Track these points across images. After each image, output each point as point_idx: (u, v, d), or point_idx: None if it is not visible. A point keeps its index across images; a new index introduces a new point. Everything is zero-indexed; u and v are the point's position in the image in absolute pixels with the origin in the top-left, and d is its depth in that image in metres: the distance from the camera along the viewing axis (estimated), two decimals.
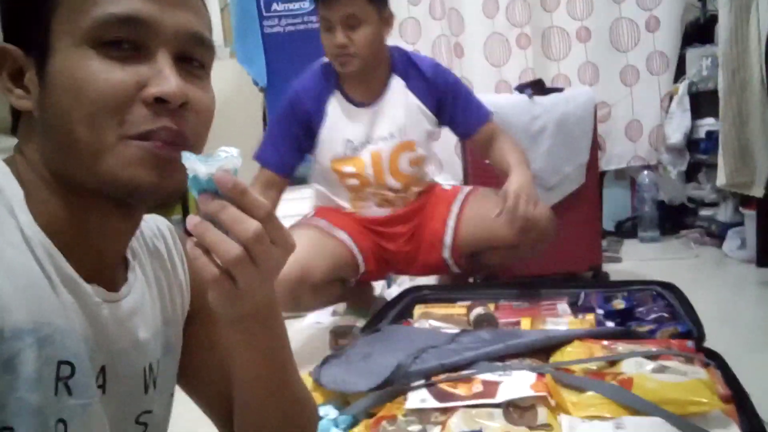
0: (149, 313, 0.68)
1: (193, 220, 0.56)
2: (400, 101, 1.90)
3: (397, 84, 1.91)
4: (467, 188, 2.12)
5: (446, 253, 1.99)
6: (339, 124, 1.88)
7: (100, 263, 0.62)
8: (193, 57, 0.61)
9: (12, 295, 0.51)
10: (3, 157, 0.62)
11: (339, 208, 2.00)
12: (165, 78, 0.57)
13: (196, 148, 0.61)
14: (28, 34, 0.58)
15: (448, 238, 1.98)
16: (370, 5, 1.77)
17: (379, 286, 2.36)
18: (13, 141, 0.65)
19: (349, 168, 1.92)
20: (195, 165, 0.55)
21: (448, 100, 1.95)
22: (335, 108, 1.89)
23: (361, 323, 1.86)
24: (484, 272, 2.21)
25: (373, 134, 1.90)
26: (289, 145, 1.90)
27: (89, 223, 0.60)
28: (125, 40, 0.57)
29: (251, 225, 0.55)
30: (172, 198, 0.62)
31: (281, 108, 1.94)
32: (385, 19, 1.83)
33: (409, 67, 1.93)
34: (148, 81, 0.57)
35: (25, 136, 0.61)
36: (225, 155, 0.56)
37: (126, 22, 0.56)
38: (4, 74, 0.59)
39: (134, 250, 0.69)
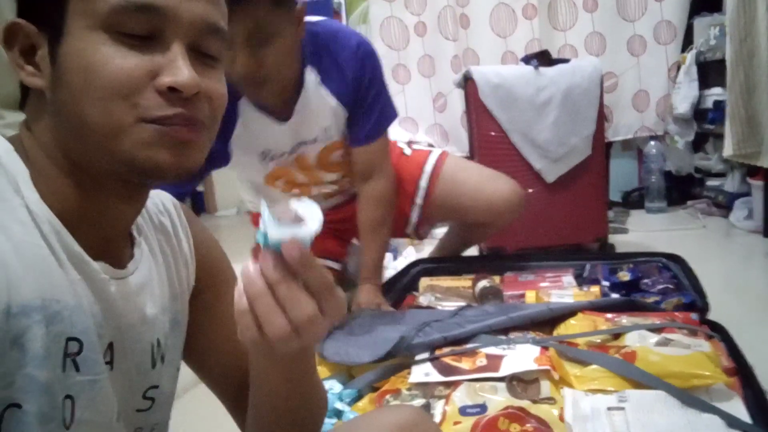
0: (156, 289, 0.69)
1: (251, 275, 0.54)
2: (316, 102, 1.57)
3: (310, 80, 1.55)
4: (433, 158, 1.90)
5: (409, 230, 1.94)
6: (253, 135, 1.57)
7: (107, 240, 0.63)
8: (207, 46, 0.61)
9: (20, 271, 0.51)
10: (10, 132, 0.62)
11: None
12: (178, 68, 0.57)
13: (210, 130, 0.62)
14: (43, 11, 0.58)
15: (414, 216, 1.89)
16: (278, 9, 1.36)
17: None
18: (19, 116, 0.64)
19: (277, 181, 1.74)
20: (268, 226, 0.53)
21: (353, 102, 1.60)
22: (246, 116, 1.56)
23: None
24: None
25: (295, 141, 1.62)
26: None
27: (97, 202, 0.60)
28: (140, 27, 0.57)
29: (306, 307, 0.54)
30: (189, 177, 0.62)
31: None
32: (298, 18, 1.43)
33: (322, 53, 1.56)
34: (161, 70, 0.57)
35: (34, 114, 0.60)
36: (302, 212, 0.53)
37: (142, 9, 0.56)
38: (15, 49, 0.59)
39: (140, 226, 0.69)
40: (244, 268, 0.55)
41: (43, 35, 0.57)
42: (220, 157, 1.60)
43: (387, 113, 1.68)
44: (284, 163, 1.66)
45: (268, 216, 0.53)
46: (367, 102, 1.61)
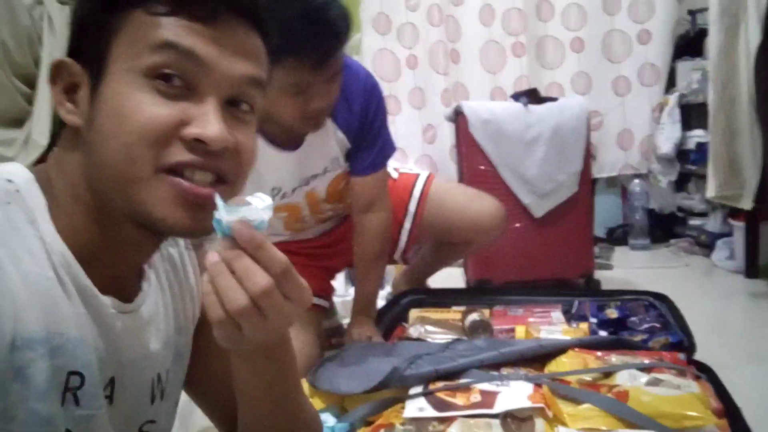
0: (162, 322, 0.69)
1: (212, 258, 0.55)
2: (323, 134, 1.55)
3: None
4: (421, 182, 1.91)
5: (397, 255, 1.93)
6: (261, 169, 1.50)
7: (118, 275, 0.63)
8: (244, 99, 0.61)
9: (27, 303, 0.52)
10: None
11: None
12: (209, 121, 0.57)
13: (235, 187, 0.61)
14: (89, 51, 0.58)
15: (403, 241, 1.89)
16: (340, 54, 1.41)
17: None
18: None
19: (281, 213, 1.68)
20: (220, 211, 0.55)
21: (357, 133, 1.60)
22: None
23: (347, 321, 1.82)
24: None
25: (304, 175, 1.60)
26: None
27: (113, 241, 0.60)
28: (178, 75, 0.57)
29: (261, 279, 0.53)
30: (204, 236, 0.62)
31: None
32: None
33: None
34: (191, 120, 0.57)
35: (66, 149, 0.61)
36: (251, 205, 0.55)
37: (183, 54, 0.56)
38: (59, 86, 0.60)
39: (150, 259, 0.69)
40: (208, 254, 0.56)
41: (87, 75, 0.58)
42: None
43: (388, 146, 1.69)
44: (294, 200, 1.64)
45: (221, 204, 0.55)
46: (371, 134, 1.61)
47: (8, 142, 2.89)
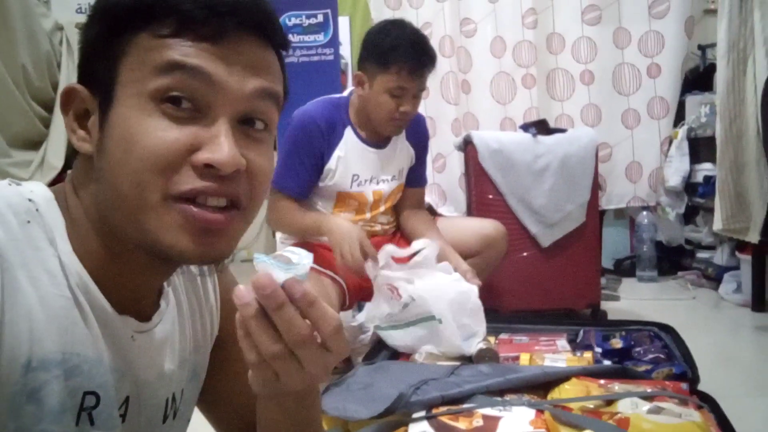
0: (178, 342, 0.68)
1: (242, 297, 0.52)
2: (400, 147, 2.02)
3: None
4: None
5: None
6: (350, 157, 1.93)
7: (135, 296, 0.62)
8: (257, 116, 0.59)
9: (44, 325, 0.52)
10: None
11: (320, 243, 1.94)
12: (219, 145, 0.54)
13: (249, 211, 0.59)
14: (97, 77, 0.57)
15: None
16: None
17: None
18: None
19: (352, 201, 1.98)
20: (271, 270, 0.52)
21: (417, 154, 2.08)
22: (348, 142, 1.93)
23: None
24: None
25: (379, 175, 1.98)
26: (308, 170, 1.92)
27: (128, 266, 0.60)
28: (186, 98, 0.55)
29: (302, 330, 0.52)
30: (216, 263, 0.60)
31: (296, 134, 1.93)
32: None
33: None
34: (201, 145, 0.55)
35: (79, 175, 0.60)
36: (296, 259, 0.54)
37: (190, 74, 0.54)
38: (71, 114, 0.59)
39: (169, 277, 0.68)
40: (236, 291, 0.53)
41: (96, 101, 0.57)
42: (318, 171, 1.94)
43: (425, 172, 2.18)
44: (365, 189, 1.98)
45: (269, 263, 0.53)
46: (423, 156, 2.12)
47: (25, 164, 2.95)
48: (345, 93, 2.01)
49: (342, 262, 1.80)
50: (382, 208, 2.03)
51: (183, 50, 0.54)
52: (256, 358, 0.53)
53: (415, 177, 2.10)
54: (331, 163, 1.93)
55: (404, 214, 2.09)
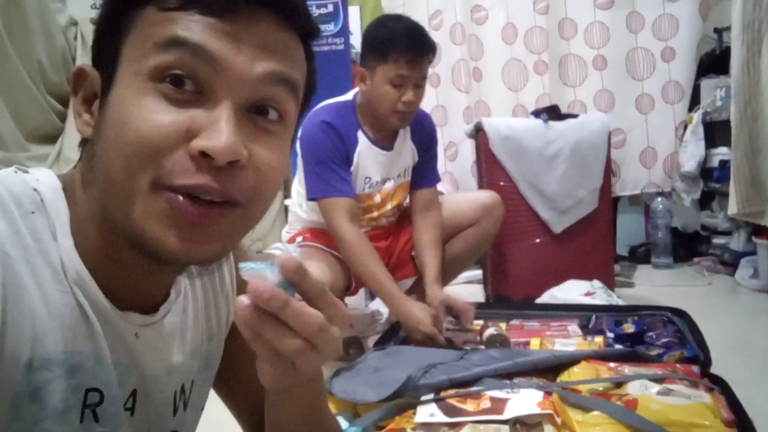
0: (189, 331, 0.65)
1: (244, 309, 0.47)
2: (405, 146, 2.03)
3: (403, 130, 2.00)
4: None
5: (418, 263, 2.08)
6: (363, 160, 1.94)
7: (141, 293, 0.59)
8: (270, 104, 0.53)
9: (46, 323, 0.50)
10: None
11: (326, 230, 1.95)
12: (217, 131, 0.49)
13: (250, 209, 0.54)
14: (104, 56, 0.53)
15: None
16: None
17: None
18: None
19: (363, 204, 1.99)
20: (261, 274, 0.49)
21: (422, 153, 2.07)
22: (362, 145, 1.94)
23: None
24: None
25: (388, 175, 2.00)
26: (345, 171, 1.89)
27: (129, 261, 0.55)
28: (188, 78, 0.50)
29: (315, 319, 0.49)
30: (201, 266, 0.56)
31: (317, 142, 1.87)
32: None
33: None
34: (200, 130, 0.49)
35: (84, 160, 0.57)
36: (281, 253, 0.51)
37: (193, 51, 0.49)
38: (80, 96, 0.55)
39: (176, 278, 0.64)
40: (239, 301, 0.48)
41: (101, 82, 0.53)
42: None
43: (437, 172, 2.15)
44: (375, 190, 2.00)
45: (257, 268, 0.49)
46: (430, 155, 2.10)
47: (42, 157, 2.99)
48: (349, 96, 1.97)
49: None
50: (388, 207, 2.05)
51: (188, 25, 0.49)
52: (274, 356, 0.50)
53: (424, 177, 2.08)
54: (353, 167, 1.93)
55: (414, 219, 2.05)
